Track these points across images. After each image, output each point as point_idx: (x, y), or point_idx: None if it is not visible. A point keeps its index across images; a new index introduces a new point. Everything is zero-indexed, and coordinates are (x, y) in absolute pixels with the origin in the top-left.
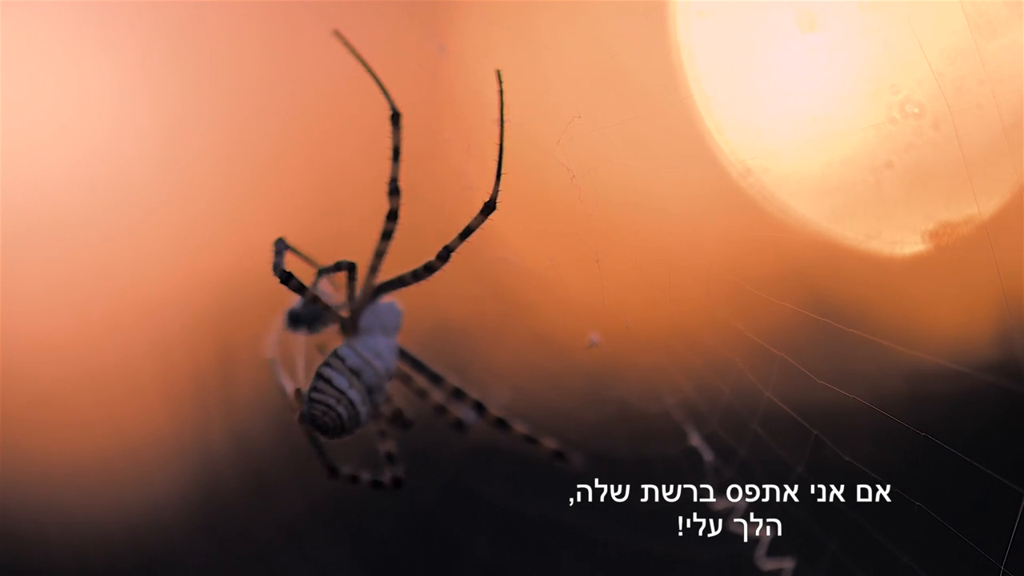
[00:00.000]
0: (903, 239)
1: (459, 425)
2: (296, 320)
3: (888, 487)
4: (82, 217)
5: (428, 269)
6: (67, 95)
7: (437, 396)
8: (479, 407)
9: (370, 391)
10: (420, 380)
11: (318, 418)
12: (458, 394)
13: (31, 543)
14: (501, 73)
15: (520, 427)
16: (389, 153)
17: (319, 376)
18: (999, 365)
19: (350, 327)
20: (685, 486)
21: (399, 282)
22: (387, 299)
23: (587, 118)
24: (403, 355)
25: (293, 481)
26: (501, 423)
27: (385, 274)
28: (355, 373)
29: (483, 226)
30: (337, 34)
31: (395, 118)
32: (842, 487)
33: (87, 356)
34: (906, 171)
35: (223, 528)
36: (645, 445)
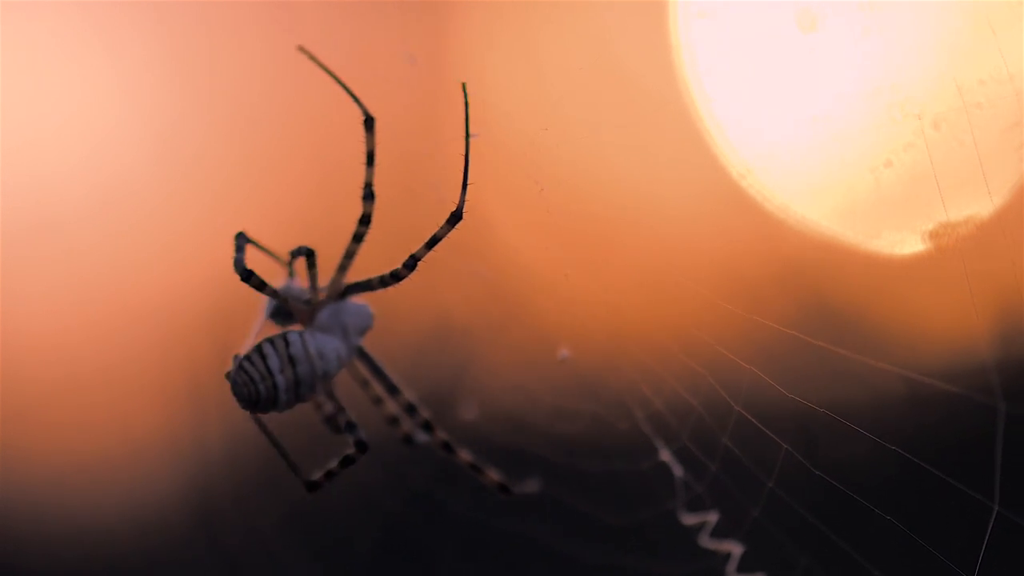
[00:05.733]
0: (903, 239)
1: (408, 440)
2: (276, 314)
3: (859, 499)
4: (81, 218)
5: (395, 277)
6: (67, 96)
7: (392, 407)
8: (427, 426)
9: (298, 383)
10: (377, 388)
11: (238, 386)
12: (410, 409)
13: (28, 543)
14: (466, 85)
15: (465, 455)
16: (363, 159)
17: (258, 348)
18: (998, 366)
19: (307, 319)
20: (655, 501)
21: (367, 285)
22: (359, 301)
23: (584, 120)
24: (365, 358)
25: (273, 488)
26: (447, 447)
27: (355, 275)
28: (292, 361)
29: (452, 240)
30: (302, 49)
31: (368, 123)
32: (814, 500)
33: (85, 357)
34: (906, 171)
35: (219, 530)
36: (615, 460)
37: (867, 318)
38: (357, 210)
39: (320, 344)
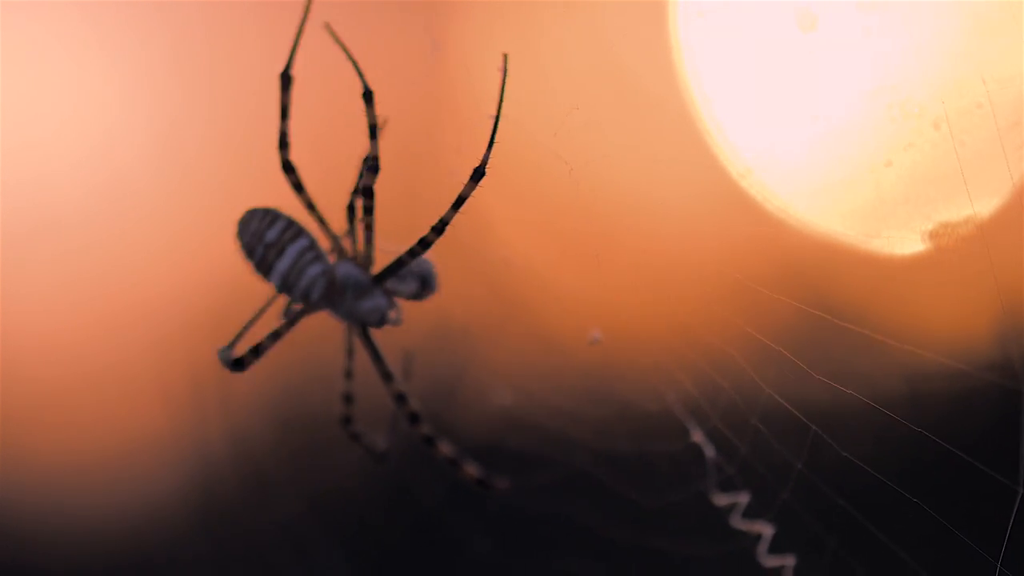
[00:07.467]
0: (903, 239)
1: (347, 421)
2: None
3: (887, 481)
4: (81, 218)
5: (424, 244)
6: (67, 96)
7: (348, 387)
8: (414, 418)
9: (269, 267)
10: (374, 368)
11: (243, 216)
12: (400, 399)
13: (29, 543)
14: (507, 57)
15: (445, 448)
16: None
17: (281, 217)
18: (999, 363)
19: (336, 258)
20: (687, 483)
21: (398, 264)
22: (388, 304)
23: (586, 115)
24: (367, 339)
25: (291, 481)
26: (429, 440)
27: (382, 257)
28: (280, 249)
29: (482, 225)
30: (327, 27)
31: (367, 96)
32: (842, 483)
33: (85, 357)
34: (906, 171)
35: (221, 528)
36: (647, 442)
37: (867, 318)
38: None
39: (313, 270)
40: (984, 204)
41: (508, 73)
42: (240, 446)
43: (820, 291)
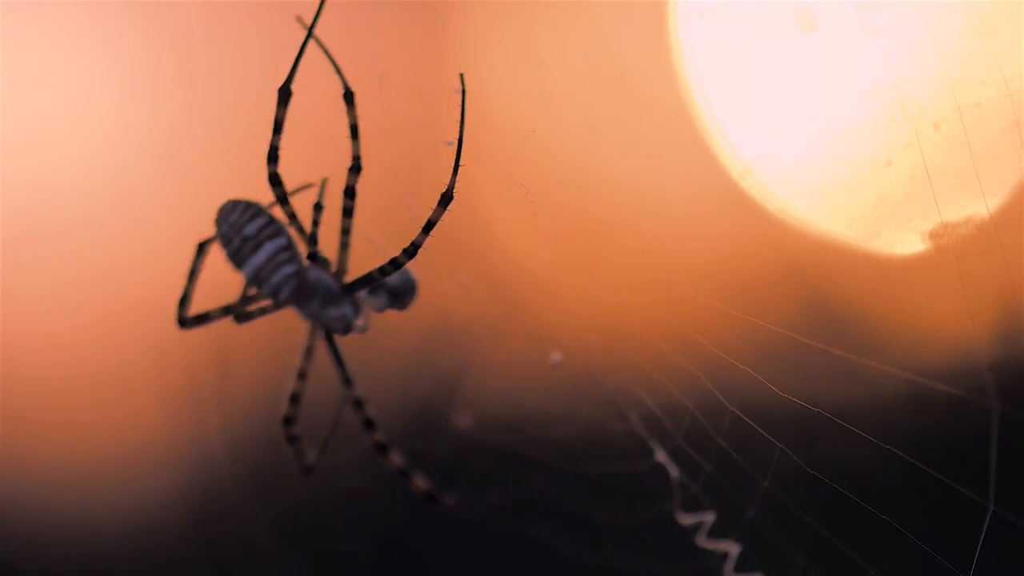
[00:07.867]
0: (903, 239)
1: (292, 439)
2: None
3: (854, 498)
4: (81, 218)
5: (395, 265)
6: (67, 96)
7: (298, 387)
8: (369, 424)
9: (241, 260)
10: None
11: (224, 206)
12: (359, 404)
13: (28, 544)
14: (464, 76)
15: (396, 458)
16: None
17: (263, 211)
18: (1000, 363)
19: (313, 262)
20: (652, 502)
21: (368, 279)
22: (354, 313)
23: (584, 119)
24: (331, 343)
25: (287, 483)
26: (381, 448)
27: (354, 268)
28: (256, 244)
29: (439, 254)
30: (299, 20)
31: (348, 96)
32: (810, 498)
33: (85, 357)
34: (906, 171)
35: (220, 529)
36: (611, 462)
37: (866, 318)
38: (360, 204)
39: (286, 269)
40: (984, 204)
41: (467, 93)
42: (238, 447)
43: (819, 291)
